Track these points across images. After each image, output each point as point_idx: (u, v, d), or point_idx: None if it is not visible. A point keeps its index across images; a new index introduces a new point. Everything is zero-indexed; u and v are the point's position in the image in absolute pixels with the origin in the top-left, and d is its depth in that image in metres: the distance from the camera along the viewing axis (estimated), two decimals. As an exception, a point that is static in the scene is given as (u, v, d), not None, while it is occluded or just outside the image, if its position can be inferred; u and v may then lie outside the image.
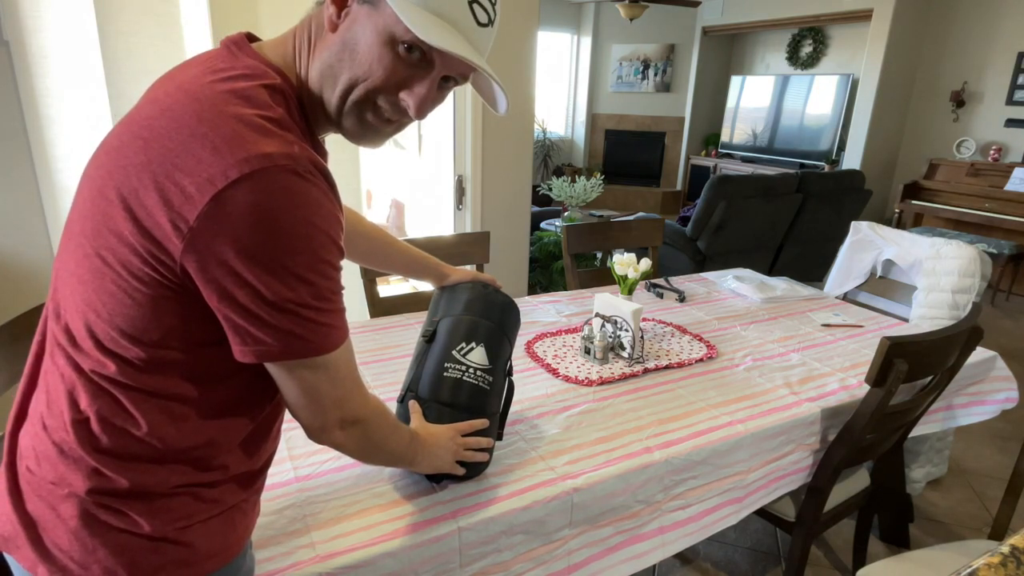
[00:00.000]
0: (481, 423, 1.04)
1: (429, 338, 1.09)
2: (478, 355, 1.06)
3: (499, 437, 1.14)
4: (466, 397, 1.04)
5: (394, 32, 0.64)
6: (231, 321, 0.61)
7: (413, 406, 1.03)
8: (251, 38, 0.70)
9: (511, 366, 1.15)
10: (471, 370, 1.05)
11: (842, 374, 1.52)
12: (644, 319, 1.84)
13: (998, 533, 1.46)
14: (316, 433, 0.72)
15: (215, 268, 0.58)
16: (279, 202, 0.57)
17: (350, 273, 1.29)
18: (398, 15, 0.62)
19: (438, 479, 1.04)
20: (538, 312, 1.88)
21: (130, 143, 0.60)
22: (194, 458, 0.67)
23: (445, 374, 1.04)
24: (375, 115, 0.69)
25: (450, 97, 2.63)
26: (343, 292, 0.67)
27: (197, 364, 0.64)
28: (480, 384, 1.05)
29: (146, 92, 0.68)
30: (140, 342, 0.61)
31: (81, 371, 0.63)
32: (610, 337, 1.56)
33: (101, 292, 0.61)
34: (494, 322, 1.10)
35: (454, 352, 1.06)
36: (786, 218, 3.95)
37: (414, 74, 0.67)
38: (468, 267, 2.16)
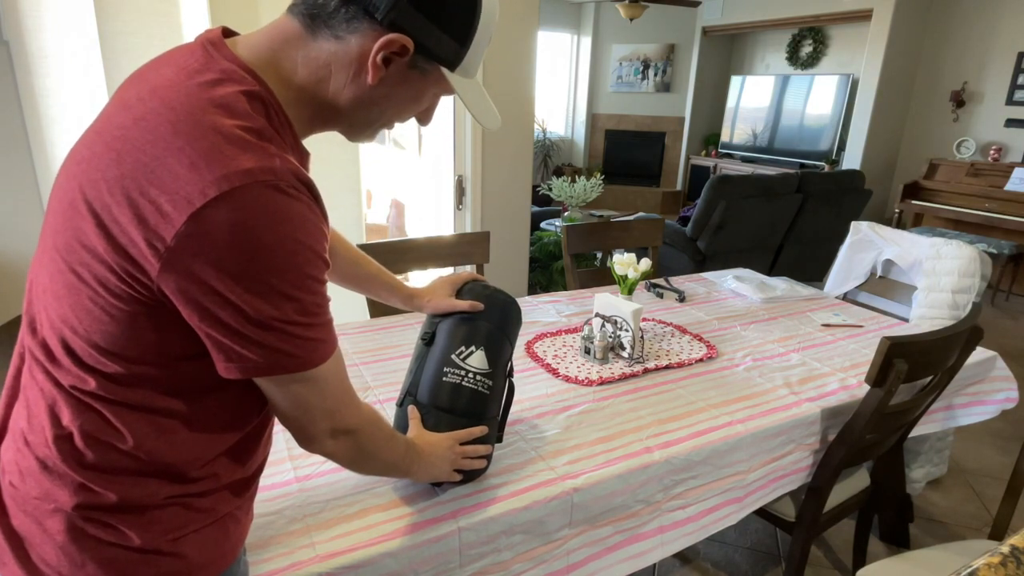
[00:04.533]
0: (480, 430, 1.02)
1: (428, 340, 1.08)
2: (477, 359, 1.05)
3: (499, 439, 1.14)
4: (465, 402, 1.02)
5: (438, 92, 0.72)
6: (214, 339, 0.59)
7: (412, 412, 1.02)
8: (227, 32, 0.67)
9: (511, 367, 1.15)
10: (470, 374, 1.03)
11: (842, 374, 1.52)
12: (644, 319, 1.84)
13: (998, 533, 1.45)
14: (306, 443, 0.71)
15: (195, 289, 0.56)
16: (261, 220, 0.55)
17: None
18: (461, 99, 0.71)
19: (438, 483, 1.03)
20: (538, 312, 1.88)
21: (102, 154, 0.57)
22: (183, 469, 0.65)
23: (444, 379, 1.03)
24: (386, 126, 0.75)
25: (450, 97, 2.63)
26: (330, 303, 0.66)
27: (180, 378, 0.63)
28: (479, 389, 1.04)
29: (117, 91, 0.65)
30: (119, 357, 0.60)
31: (61, 387, 0.61)
32: (610, 337, 1.56)
33: (77, 309, 0.59)
34: (494, 323, 1.09)
35: (453, 356, 1.04)
36: (786, 218, 3.95)
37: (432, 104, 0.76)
38: (468, 267, 2.16)
